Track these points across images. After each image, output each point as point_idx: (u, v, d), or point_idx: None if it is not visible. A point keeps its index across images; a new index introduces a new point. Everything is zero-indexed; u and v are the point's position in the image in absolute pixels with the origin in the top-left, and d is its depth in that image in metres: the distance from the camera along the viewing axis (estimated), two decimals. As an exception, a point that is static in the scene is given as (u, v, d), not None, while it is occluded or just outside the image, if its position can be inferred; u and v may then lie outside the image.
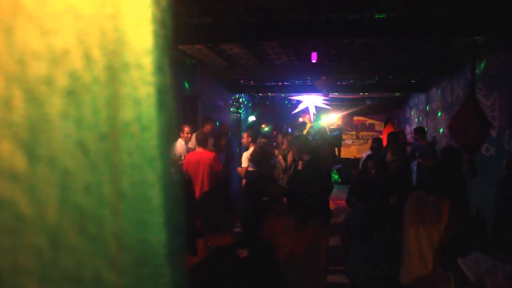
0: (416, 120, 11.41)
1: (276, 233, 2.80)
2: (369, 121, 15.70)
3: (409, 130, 11.87)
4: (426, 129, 8.41)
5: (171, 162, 0.91)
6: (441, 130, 8.14)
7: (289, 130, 13.72)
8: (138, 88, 0.78)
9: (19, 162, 0.50)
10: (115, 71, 0.67)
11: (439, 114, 8.44)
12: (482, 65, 5.60)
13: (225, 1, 3.77)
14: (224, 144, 7.53)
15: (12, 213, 0.50)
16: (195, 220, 1.90)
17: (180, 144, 6.30)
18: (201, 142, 5.94)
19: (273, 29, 4.51)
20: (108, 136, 0.63)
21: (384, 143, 9.00)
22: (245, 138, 6.78)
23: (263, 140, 6.19)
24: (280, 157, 6.79)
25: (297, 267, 2.76)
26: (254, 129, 7.93)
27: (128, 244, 0.79)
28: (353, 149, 15.13)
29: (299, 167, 5.52)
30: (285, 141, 7.23)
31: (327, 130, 13.39)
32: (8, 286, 0.50)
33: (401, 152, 6.82)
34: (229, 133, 9.14)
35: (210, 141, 6.83)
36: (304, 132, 10.76)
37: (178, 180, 0.94)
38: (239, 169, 6.21)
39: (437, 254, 2.86)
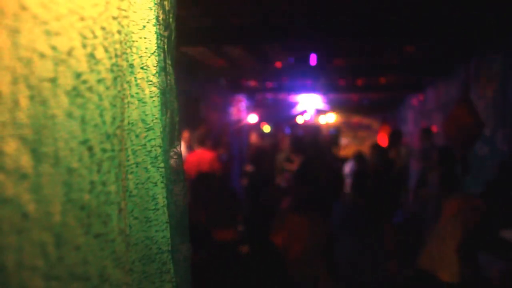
0: (412, 120, 11.40)
1: (293, 230, 2.83)
2: (366, 121, 15.71)
3: (405, 130, 11.85)
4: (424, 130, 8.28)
5: (176, 161, 0.91)
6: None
7: (287, 130, 13.70)
8: (143, 89, 0.78)
9: (25, 161, 0.49)
10: (121, 71, 0.66)
11: (434, 114, 8.43)
12: (476, 66, 5.60)
13: (226, 3, 3.76)
14: (226, 143, 7.53)
15: (17, 211, 0.49)
16: (202, 215, 1.91)
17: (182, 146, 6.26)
18: (200, 142, 5.95)
19: (273, 31, 4.51)
20: (114, 135, 0.63)
21: (381, 142, 8.99)
22: (253, 138, 6.75)
23: (263, 141, 6.19)
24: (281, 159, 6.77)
25: (310, 261, 2.78)
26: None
27: (135, 241, 0.79)
28: (350, 149, 15.14)
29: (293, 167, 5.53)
30: (286, 141, 7.21)
31: (325, 129, 13.39)
32: (14, 283, 0.49)
33: (380, 149, 6.85)
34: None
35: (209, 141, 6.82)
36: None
37: (182, 178, 0.93)
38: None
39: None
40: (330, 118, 15.18)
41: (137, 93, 0.78)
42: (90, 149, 0.58)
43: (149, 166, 0.80)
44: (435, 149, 6.78)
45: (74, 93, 0.56)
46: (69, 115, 0.55)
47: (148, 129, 0.80)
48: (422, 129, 8.00)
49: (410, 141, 9.89)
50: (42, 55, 0.51)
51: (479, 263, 3.21)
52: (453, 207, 3.09)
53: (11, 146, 0.48)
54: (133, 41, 0.77)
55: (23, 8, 0.49)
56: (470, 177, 5.04)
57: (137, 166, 0.79)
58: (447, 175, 5.60)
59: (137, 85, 0.78)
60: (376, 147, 7.29)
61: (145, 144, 0.80)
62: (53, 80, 0.53)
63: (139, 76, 0.78)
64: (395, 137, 8.03)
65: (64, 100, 0.54)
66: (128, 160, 0.77)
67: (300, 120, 14.24)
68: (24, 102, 0.49)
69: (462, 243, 2.98)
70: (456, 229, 3.03)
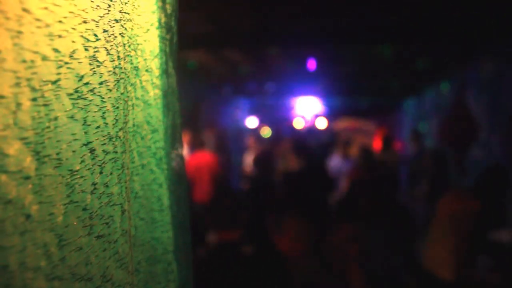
0: (408, 123, 11.40)
1: (290, 233, 2.84)
2: (363, 125, 15.70)
3: (402, 134, 11.84)
4: (417, 132, 8.22)
5: (178, 163, 0.90)
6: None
7: (287, 133, 13.69)
8: (148, 91, 0.77)
9: (28, 162, 0.49)
10: (125, 74, 0.66)
11: (431, 117, 8.42)
12: (471, 70, 5.60)
13: (227, 8, 3.76)
14: (224, 147, 7.54)
15: (20, 212, 0.48)
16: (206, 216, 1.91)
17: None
18: (200, 145, 5.98)
19: (273, 37, 4.51)
20: (117, 137, 0.62)
21: (375, 146, 8.99)
22: (251, 142, 6.75)
23: (264, 144, 6.19)
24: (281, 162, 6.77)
25: (310, 264, 2.79)
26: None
27: (141, 242, 0.78)
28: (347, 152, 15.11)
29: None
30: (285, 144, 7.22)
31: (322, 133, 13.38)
32: (17, 283, 0.48)
33: (367, 152, 6.82)
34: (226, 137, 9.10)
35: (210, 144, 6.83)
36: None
37: (184, 180, 0.93)
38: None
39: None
40: (328, 122, 15.16)
41: (142, 95, 0.78)
42: (92, 151, 0.57)
43: (154, 168, 0.80)
44: (426, 152, 6.72)
45: (77, 95, 0.55)
46: (72, 117, 0.54)
47: (153, 131, 0.79)
48: (411, 132, 7.95)
49: (406, 145, 9.88)
50: (45, 58, 0.50)
51: (475, 263, 3.22)
52: (448, 208, 3.09)
53: (14, 148, 0.48)
54: (138, 44, 0.76)
55: (26, 11, 0.49)
56: (466, 180, 5.04)
57: (142, 168, 0.79)
58: (439, 178, 5.59)
59: (142, 87, 0.78)
60: (363, 150, 7.25)
61: (150, 146, 0.79)
62: (55, 83, 0.52)
63: (144, 78, 0.78)
64: (386, 141, 7.99)
65: (67, 102, 0.53)
66: (133, 162, 0.77)
67: (298, 123, 14.22)
68: (26, 104, 0.49)
69: (458, 244, 2.98)
70: (451, 230, 3.03)
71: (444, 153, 6.03)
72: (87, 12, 0.56)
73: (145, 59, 0.77)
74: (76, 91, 0.55)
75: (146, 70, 0.77)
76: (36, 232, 0.50)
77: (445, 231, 3.02)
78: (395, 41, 4.58)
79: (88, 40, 0.56)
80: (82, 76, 0.56)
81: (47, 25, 0.51)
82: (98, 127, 0.58)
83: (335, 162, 7.50)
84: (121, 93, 0.64)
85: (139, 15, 0.76)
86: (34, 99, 0.49)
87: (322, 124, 14.54)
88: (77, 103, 0.55)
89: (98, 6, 0.58)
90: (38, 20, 0.50)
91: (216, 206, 1.90)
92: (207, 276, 1.70)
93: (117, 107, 0.62)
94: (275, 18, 4.14)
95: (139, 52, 0.76)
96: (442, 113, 6.98)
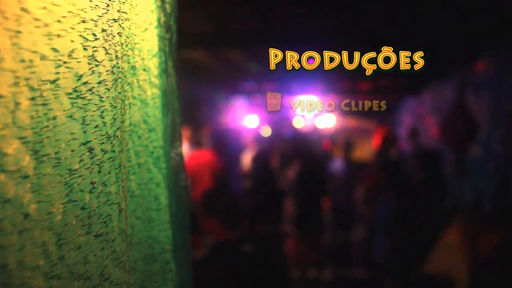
0: (407, 123, 11.38)
1: None
2: (361, 124, 15.64)
3: (401, 133, 11.81)
4: (414, 131, 8.14)
5: (177, 162, 0.90)
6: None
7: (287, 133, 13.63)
8: (145, 90, 0.77)
9: (26, 162, 0.49)
10: (122, 73, 0.66)
11: (430, 117, 8.41)
12: (471, 69, 5.60)
13: (227, 8, 3.76)
14: (223, 146, 7.53)
15: (19, 211, 0.48)
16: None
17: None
18: (198, 144, 5.98)
19: (272, 36, 4.51)
20: (115, 136, 0.62)
21: (376, 145, 8.96)
22: (250, 141, 6.77)
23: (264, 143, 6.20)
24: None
25: None
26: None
27: (137, 241, 0.78)
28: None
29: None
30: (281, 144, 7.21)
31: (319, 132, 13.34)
32: (16, 282, 0.49)
33: (382, 156, 6.72)
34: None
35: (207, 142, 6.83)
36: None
37: (183, 179, 0.93)
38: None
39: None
40: (327, 121, 15.10)
41: (139, 94, 0.78)
42: (90, 150, 0.57)
43: (151, 167, 0.80)
44: (416, 153, 6.52)
45: (75, 95, 0.55)
46: (70, 116, 0.54)
47: (150, 130, 0.79)
48: (409, 130, 7.89)
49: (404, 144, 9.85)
50: (44, 57, 0.51)
51: None
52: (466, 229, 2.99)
53: (13, 147, 0.48)
54: (135, 43, 0.76)
55: (24, 10, 0.49)
56: (465, 180, 5.05)
57: (139, 167, 0.79)
58: (429, 181, 5.46)
59: (139, 86, 0.78)
60: (383, 156, 6.99)
61: (147, 145, 0.79)
62: (54, 82, 0.52)
63: (141, 77, 0.78)
64: (386, 141, 7.92)
65: (65, 101, 0.54)
66: (130, 161, 0.77)
67: (298, 122, 14.15)
68: (25, 103, 0.49)
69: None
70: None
71: (432, 152, 5.92)
72: (86, 12, 0.56)
73: (142, 58, 0.77)
74: (75, 91, 0.55)
75: (144, 69, 0.77)
76: (35, 231, 0.50)
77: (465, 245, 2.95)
78: (396, 42, 4.58)
79: (87, 39, 0.56)
80: (81, 76, 0.56)
81: (46, 25, 0.51)
82: (96, 126, 0.58)
83: (336, 166, 6.94)
84: (119, 93, 0.64)
85: (136, 14, 0.76)
86: (32, 99, 0.49)
87: (322, 123, 14.46)
88: (76, 103, 0.55)
89: (97, 5, 0.58)
90: (36, 19, 0.50)
91: (214, 205, 1.91)
92: (206, 275, 1.70)
93: (115, 106, 0.62)
94: (275, 18, 4.13)
95: (136, 51, 0.76)
96: (441, 113, 6.97)
